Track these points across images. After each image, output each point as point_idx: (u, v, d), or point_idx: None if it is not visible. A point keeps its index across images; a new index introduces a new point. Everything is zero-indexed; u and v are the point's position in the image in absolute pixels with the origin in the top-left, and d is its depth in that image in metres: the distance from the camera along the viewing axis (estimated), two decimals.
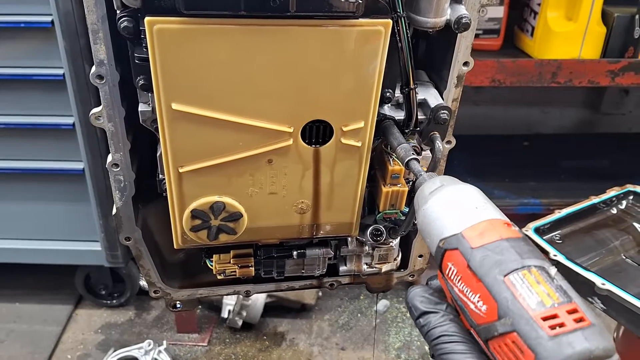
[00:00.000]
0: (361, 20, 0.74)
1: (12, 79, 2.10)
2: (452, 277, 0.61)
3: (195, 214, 0.88)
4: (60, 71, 2.07)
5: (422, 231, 0.67)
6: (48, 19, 1.98)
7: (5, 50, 2.07)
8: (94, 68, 0.82)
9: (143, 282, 2.71)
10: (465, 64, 0.90)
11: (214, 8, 0.69)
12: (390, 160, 0.90)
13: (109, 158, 0.90)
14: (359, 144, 0.85)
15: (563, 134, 3.18)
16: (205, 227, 0.89)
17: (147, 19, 0.70)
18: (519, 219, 2.56)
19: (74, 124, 2.18)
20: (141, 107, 0.84)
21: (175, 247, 0.94)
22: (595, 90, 3.15)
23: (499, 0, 2.09)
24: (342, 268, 1.09)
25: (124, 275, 2.66)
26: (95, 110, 0.86)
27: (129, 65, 0.82)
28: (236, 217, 0.89)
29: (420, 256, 1.12)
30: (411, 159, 0.78)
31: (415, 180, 0.75)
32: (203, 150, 0.82)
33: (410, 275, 1.15)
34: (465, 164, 2.63)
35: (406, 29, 0.79)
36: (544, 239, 1.55)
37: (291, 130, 0.82)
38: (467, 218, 0.62)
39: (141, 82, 0.80)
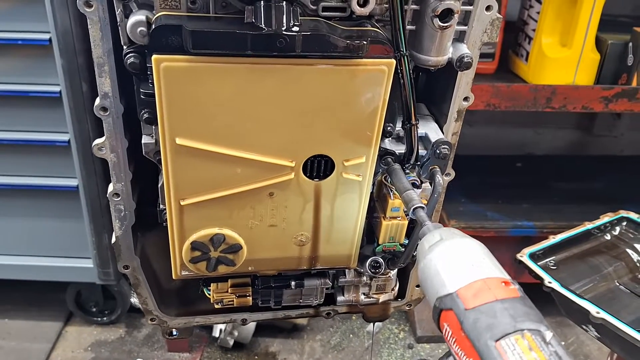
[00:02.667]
0: (365, 60, 0.75)
1: (8, 95, 2.10)
2: (448, 339, 0.60)
3: (195, 246, 0.88)
4: (56, 88, 2.07)
5: (422, 287, 0.67)
6: (46, 36, 1.98)
7: (2, 66, 2.07)
8: (98, 100, 0.82)
9: (134, 300, 2.70)
10: (466, 99, 0.91)
11: (221, 48, 0.70)
12: (391, 193, 0.90)
13: (110, 188, 0.90)
14: (360, 179, 0.86)
15: (556, 155, 3.21)
16: (204, 258, 0.89)
17: (154, 57, 0.70)
18: (512, 241, 2.58)
19: (69, 141, 2.17)
20: (145, 140, 0.85)
21: (173, 277, 0.94)
22: (588, 113, 3.18)
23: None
24: (340, 298, 1.09)
25: (115, 292, 2.64)
26: (98, 141, 0.86)
27: (133, 96, 0.82)
28: (236, 249, 0.89)
29: (418, 286, 1.12)
30: (418, 207, 0.76)
31: (419, 229, 0.75)
32: (205, 184, 0.82)
33: (407, 305, 1.15)
34: (457, 185, 2.64)
35: (409, 68, 0.80)
36: (538, 265, 1.55)
37: (293, 164, 0.83)
38: (462, 276, 0.61)
39: (145, 115, 0.81)
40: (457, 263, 0.63)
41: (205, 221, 0.86)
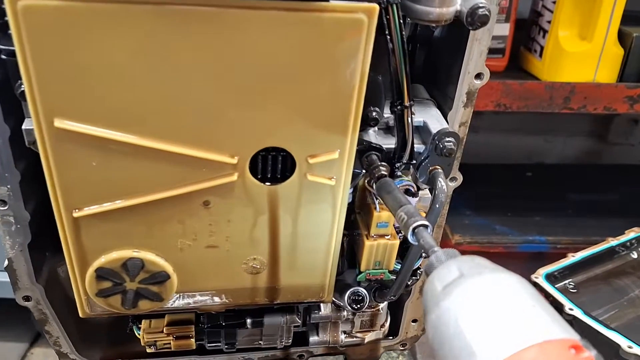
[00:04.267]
0: (335, 3, 0.51)
1: None
2: None
3: (101, 274, 0.63)
4: None
5: (433, 350, 0.43)
6: None
7: None
8: None
9: None
10: (478, 76, 0.67)
11: None
12: (376, 203, 0.66)
13: None
14: (332, 182, 0.61)
15: (568, 165, 2.96)
16: (117, 291, 0.65)
17: None
18: (523, 258, 2.31)
19: None
20: (26, 124, 0.60)
21: (80, 315, 0.69)
22: (602, 119, 2.94)
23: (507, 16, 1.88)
24: (314, 339, 0.84)
25: None
26: None
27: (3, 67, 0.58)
28: (161, 278, 0.65)
29: (415, 321, 0.87)
30: (419, 225, 0.53)
31: (426, 255, 0.51)
32: (107, 187, 0.57)
33: (401, 344, 0.90)
34: (462, 196, 2.39)
35: (399, 20, 0.56)
36: (556, 288, 1.33)
37: (235, 161, 0.58)
38: (503, 339, 0.37)
39: (22, 88, 0.56)
40: (492, 316, 0.39)
41: (114, 240, 0.61)
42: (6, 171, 0.64)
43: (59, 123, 0.52)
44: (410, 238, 0.53)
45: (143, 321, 0.78)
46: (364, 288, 0.74)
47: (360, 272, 0.70)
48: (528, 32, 2.05)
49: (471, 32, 0.63)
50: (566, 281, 1.40)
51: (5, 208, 0.66)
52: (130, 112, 0.53)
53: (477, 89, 0.67)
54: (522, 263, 2.12)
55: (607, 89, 1.82)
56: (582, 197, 2.56)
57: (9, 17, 0.47)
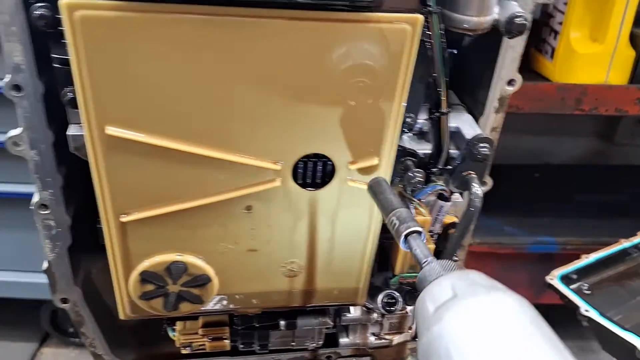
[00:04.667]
0: (380, 14, 0.52)
1: None
2: None
3: (146, 278, 0.64)
4: None
5: None
6: None
7: None
8: (8, 76, 0.59)
9: None
10: (511, 82, 0.68)
11: None
12: (411, 207, 0.67)
13: (34, 197, 0.67)
14: None
15: (575, 165, 2.97)
16: (160, 294, 0.66)
17: (63, 1, 0.47)
18: (532, 259, 2.32)
19: None
20: (71, 131, 0.61)
21: (121, 317, 0.70)
22: (609, 120, 2.95)
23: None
24: (343, 340, 0.85)
25: None
26: (13, 132, 0.63)
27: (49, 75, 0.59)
28: (202, 281, 0.66)
29: None
30: (411, 232, 0.50)
31: (419, 267, 0.49)
32: (154, 193, 0.59)
33: None
34: None
35: (440, 30, 0.57)
36: (571, 289, 1.34)
37: (278, 167, 0.59)
38: None
39: (69, 95, 0.58)
40: (485, 347, 0.37)
41: (159, 244, 0.63)
42: (49, 176, 0.65)
43: (110, 130, 0.54)
44: (402, 245, 0.51)
45: (178, 323, 0.79)
46: (396, 291, 0.75)
47: (393, 276, 0.72)
48: (539, 33, 2.06)
49: (504, 38, 0.65)
50: (580, 282, 1.41)
51: (47, 212, 0.67)
52: (179, 119, 0.55)
53: (509, 95, 0.69)
54: (531, 264, 2.14)
55: (619, 90, 1.83)
56: (590, 198, 2.57)
57: (65, 27, 0.48)
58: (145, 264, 0.63)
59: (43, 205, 0.67)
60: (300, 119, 0.57)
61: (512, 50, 0.66)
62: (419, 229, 0.50)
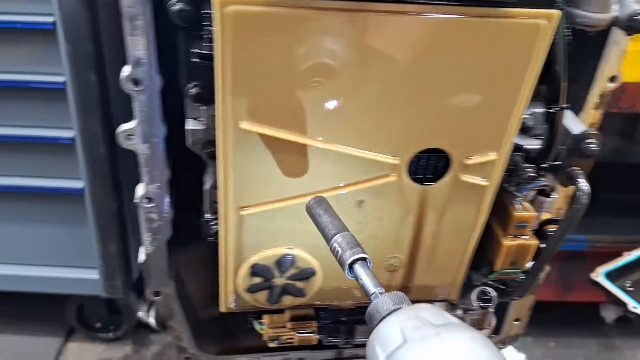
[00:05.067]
0: (518, 10, 0.52)
1: (5, 87, 1.86)
2: None
3: (256, 271, 0.65)
4: (60, 78, 1.83)
5: None
6: (49, 19, 1.74)
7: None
8: (127, 69, 0.59)
9: (142, 314, 2.46)
10: (613, 79, 0.68)
11: None
12: (516, 202, 0.68)
13: (140, 190, 0.67)
14: (486, 183, 0.63)
15: (600, 162, 2.96)
16: (266, 286, 0.66)
17: None
18: (562, 256, 2.33)
19: (73, 138, 1.93)
20: (190, 125, 0.62)
21: (221, 310, 0.71)
22: (630, 117, 2.95)
23: None
24: None
25: (121, 306, 2.40)
26: (126, 126, 0.63)
27: (168, 69, 0.60)
28: (307, 274, 0.66)
29: (517, 320, 0.89)
30: (357, 259, 0.47)
31: (367, 298, 0.45)
32: (275, 187, 0.59)
33: (501, 343, 0.92)
34: None
35: (566, 26, 0.57)
36: (617, 286, 1.35)
37: (397, 161, 0.60)
38: None
39: (195, 90, 0.58)
40: None
41: (271, 237, 0.63)
42: (157, 169, 0.66)
43: (244, 125, 0.54)
44: (347, 274, 0.47)
45: (265, 316, 0.79)
46: (492, 288, 0.75)
47: (492, 272, 0.72)
48: None
49: (610, 35, 0.65)
50: (623, 279, 1.42)
51: (152, 205, 0.68)
52: (310, 114, 0.55)
53: (610, 91, 0.69)
54: (560, 262, 2.15)
55: None
56: (617, 196, 2.58)
57: (215, 22, 0.48)
58: (257, 257, 0.63)
59: (148, 199, 0.67)
60: (425, 113, 0.57)
61: (616, 47, 0.66)
62: (365, 255, 0.46)
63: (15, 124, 1.94)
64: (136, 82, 0.59)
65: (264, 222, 0.61)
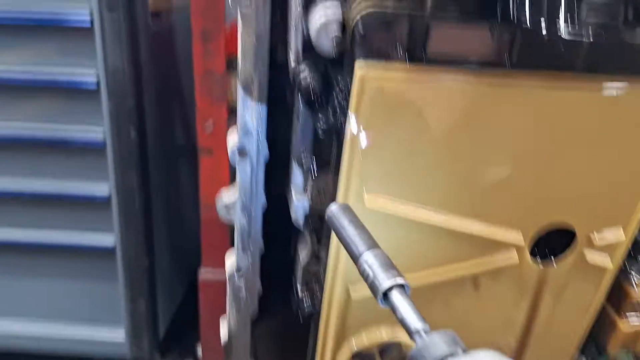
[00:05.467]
0: None
1: (45, 141, 1.85)
2: None
3: (357, 355, 0.60)
4: (100, 135, 1.82)
5: None
6: (93, 78, 1.75)
7: (38, 109, 1.83)
8: (233, 138, 0.56)
9: None
10: None
11: (469, 57, 0.45)
12: (634, 280, 0.63)
13: (230, 260, 0.64)
14: (609, 262, 0.59)
15: None
16: None
17: (360, 70, 0.45)
18: None
19: (109, 194, 1.91)
20: (296, 198, 0.58)
21: None
22: None
23: None
24: None
25: None
26: (227, 199, 0.60)
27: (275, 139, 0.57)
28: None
29: None
30: (394, 285, 0.38)
31: (409, 336, 0.38)
32: None
33: None
34: None
35: None
36: None
37: (520, 239, 0.56)
38: None
39: (308, 162, 0.55)
40: None
41: (377, 319, 0.59)
42: (253, 241, 0.62)
43: (370, 200, 0.50)
44: (380, 304, 0.38)
45: None
46: None
47: (602, 354, 0.67)
48: None
49: None
50: None
51: (241, 276, 0.64)
52: (437, 189, 0.52)
53: None
54: None
55: None
56: None
57: (354, 94, 0.45)
58: (360, 341, 0.59)
59: (238, 271, 0.63)
60: (554, 186, 0.54)
61: None
62: (403, 281, 0.37)
63: (52, 179, 1.92)
64: (242, 152, 0.56)
65: (374, 301, 0.57)
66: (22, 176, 1.93)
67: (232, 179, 1.90)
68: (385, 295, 0.37)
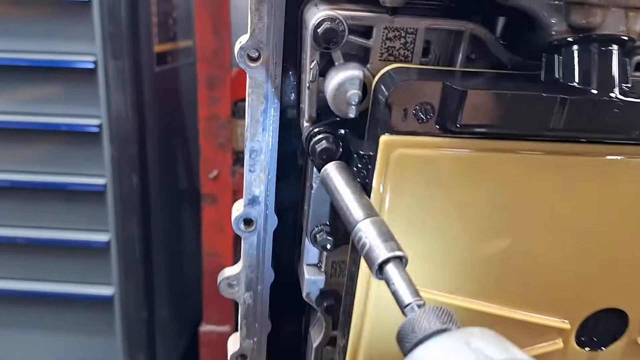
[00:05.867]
0: None
1: (43, 188, 1.80)
2: None
3: None
4: (101, 180, 1.77)
5: None
6: (96, 122, 1.71)
7: (37, 153, 1.79)
8: (240, 207, 0.50)
9: None
10: None
11: (505, 124, 0.39)
12: None
13: (234, 345, 0.57)
14: None
15: None
16: None
17: (382, 138, 0.39)
18: None
19: (108, 242, 1.84)
20: (308, 273, 0.52)
21: None
22: None
23: None
24: None
25: None
26: (228, 271, 0.53)
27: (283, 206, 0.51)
28: None
29: None
30: (391, 257, 0.34)
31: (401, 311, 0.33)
32: None
33: None
34: None
35: None
36: None
37: (567, 325, 0.49)
38: None
39: (321, 235, 0.48)
40: None
41: None
42: (258, 321, 0.55)
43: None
44: (375, 276, 0.35)
45: None
46: None
47: None
48: None
49: None
50: None
51: None
52: (465, 268, 0.45)
53: None
54: None
55: None
56: None
57: (378, 163, 0.39)
58: None
59: (242, 356, 0.56)
60: (606, 266, 0.47)
61: None
62: (402, 253, 0.34)
63: (49, 226, 1.86)
64: (248, 222, 0.50)
65: None
66: (17, 222, 1.87)
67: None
68: (381, 267, 0.34)
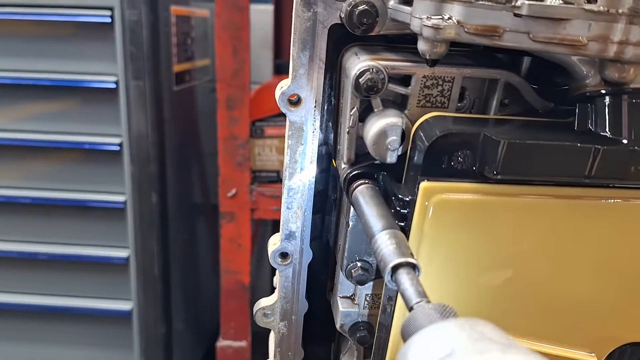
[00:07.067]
0: None
1: (64, 205, 1.84)
2: None
3: None
4: (121, 198, 1.81)
5: None
6: (116, 140, 1.75)
7: (58, 171, 1.82)
8: (277, 242, 0.52)
9: None
10: None
11: (545, 171, 0.40)
12: None
13: None
14: None
15: None
16: None
17: (422, 185, 0.41)
18: None
19: (127, 258, 1.87)
20: (343, 305, 0.54)
21: None
22: None
23: None
24: None
25: None
26: (264, 302, 0.55)
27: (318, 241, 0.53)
28: None
29: None
30: (402, 263, 0.35)
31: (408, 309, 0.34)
32: None
33: None
34: None
35: None
36: None
37: (594, 358, 0.50)
38: None
39: (358, 272, 0.50)
40: None
41: None
42: (291, 350, 0.57)
43: None
44: (387, 281, 0.36)
45: None
46: None
47: None
48: None
49: None
50: None
51: None
52: (495, 307, 0.47)
53: None
54: None
55: None
56: None
57: (417, 209, 0.41)
58: None
59: None
60: (632, 304, 0.48)
61: None
62: (414, 261, 0.35)
63: (70, 242, 1.89)
64: (284, 255, 0.52)
65: None
66: (38, 238, 1.91)
67: (253, 244, 1.84)
68: (394, 271, 0.35)
